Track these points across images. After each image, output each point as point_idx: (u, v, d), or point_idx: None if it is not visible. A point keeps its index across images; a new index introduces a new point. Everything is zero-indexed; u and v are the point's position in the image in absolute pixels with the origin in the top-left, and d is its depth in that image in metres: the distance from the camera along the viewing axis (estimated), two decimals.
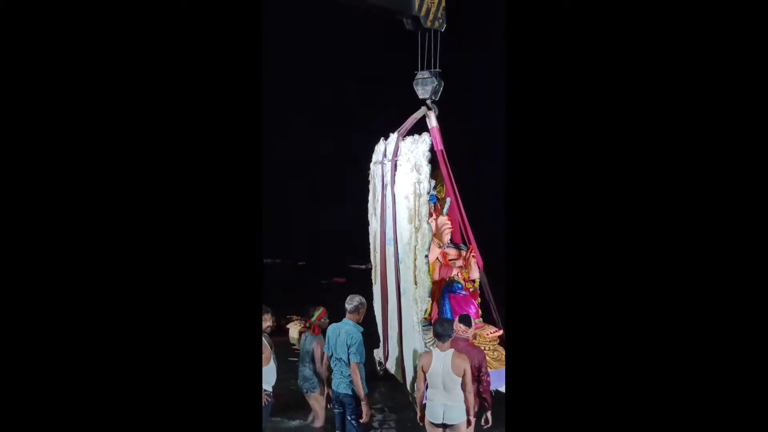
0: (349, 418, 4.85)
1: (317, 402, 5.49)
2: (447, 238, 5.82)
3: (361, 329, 4.91)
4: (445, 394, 4.37)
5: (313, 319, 5.47)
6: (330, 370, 5.06)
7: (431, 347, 4.78)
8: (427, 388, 4.55)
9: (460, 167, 5.51)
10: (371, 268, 6.17)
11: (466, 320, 4.76)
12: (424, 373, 4.46)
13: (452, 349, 4.40)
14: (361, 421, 4.83)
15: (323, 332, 5.22)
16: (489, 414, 4.67)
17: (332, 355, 4.91)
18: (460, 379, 4.32)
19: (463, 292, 5.63)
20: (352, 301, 4.93)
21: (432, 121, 5.73)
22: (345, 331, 4.81)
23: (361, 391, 4.78)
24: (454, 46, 5.82)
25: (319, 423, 5.55)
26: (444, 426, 4.44)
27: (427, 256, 5.26)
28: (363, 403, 4.79)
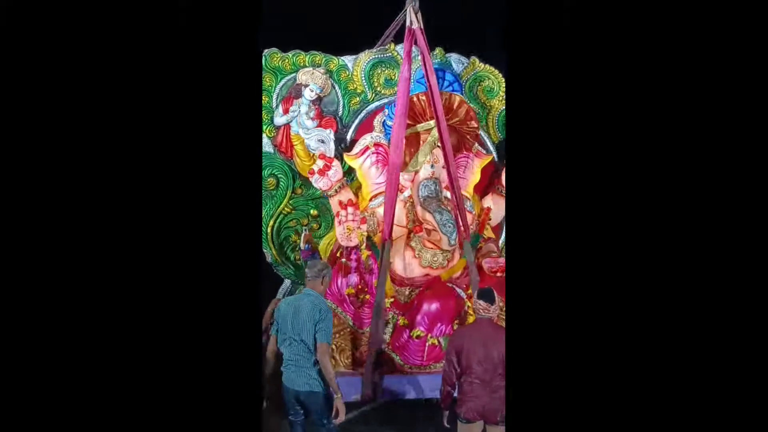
0: (324, 422, 3.39)
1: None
2: None
3: (329, 302, 3.76)
4: None
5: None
6: (278, 359, 3.53)
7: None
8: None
9: None
10: None
11: (488, 296, 3.51)
12: None
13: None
14: (335, 421, 3.37)
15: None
16: None
17: (285, 337, 3.43)
18: None
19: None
20: (314, 266, 3.54)
21: (411, 21, 4.50)
22: (310, 302, 3.40)
23: (333, 382, 3.33)
24: None
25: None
26: None
27: None
28: (336, 398, 3.33)
